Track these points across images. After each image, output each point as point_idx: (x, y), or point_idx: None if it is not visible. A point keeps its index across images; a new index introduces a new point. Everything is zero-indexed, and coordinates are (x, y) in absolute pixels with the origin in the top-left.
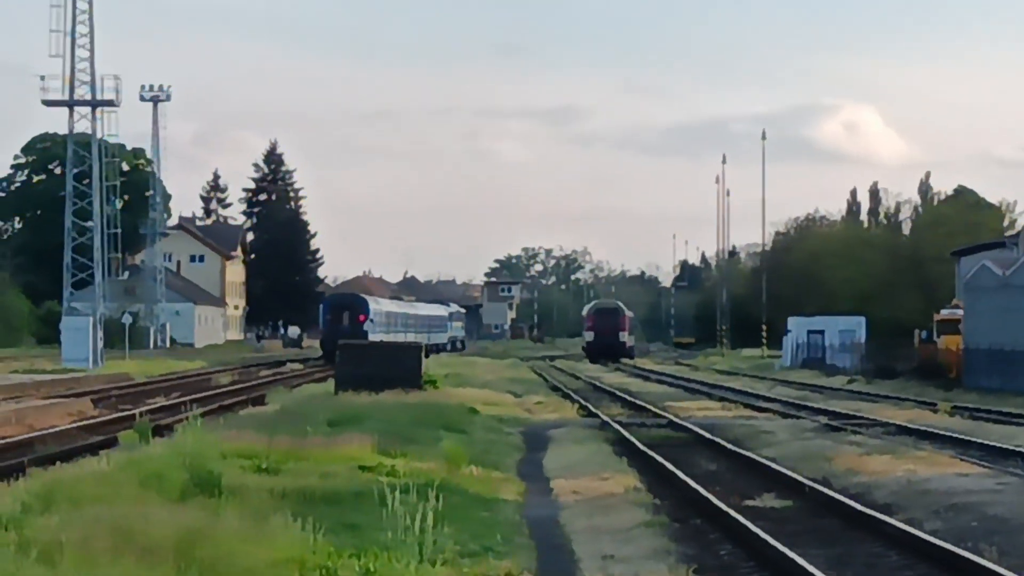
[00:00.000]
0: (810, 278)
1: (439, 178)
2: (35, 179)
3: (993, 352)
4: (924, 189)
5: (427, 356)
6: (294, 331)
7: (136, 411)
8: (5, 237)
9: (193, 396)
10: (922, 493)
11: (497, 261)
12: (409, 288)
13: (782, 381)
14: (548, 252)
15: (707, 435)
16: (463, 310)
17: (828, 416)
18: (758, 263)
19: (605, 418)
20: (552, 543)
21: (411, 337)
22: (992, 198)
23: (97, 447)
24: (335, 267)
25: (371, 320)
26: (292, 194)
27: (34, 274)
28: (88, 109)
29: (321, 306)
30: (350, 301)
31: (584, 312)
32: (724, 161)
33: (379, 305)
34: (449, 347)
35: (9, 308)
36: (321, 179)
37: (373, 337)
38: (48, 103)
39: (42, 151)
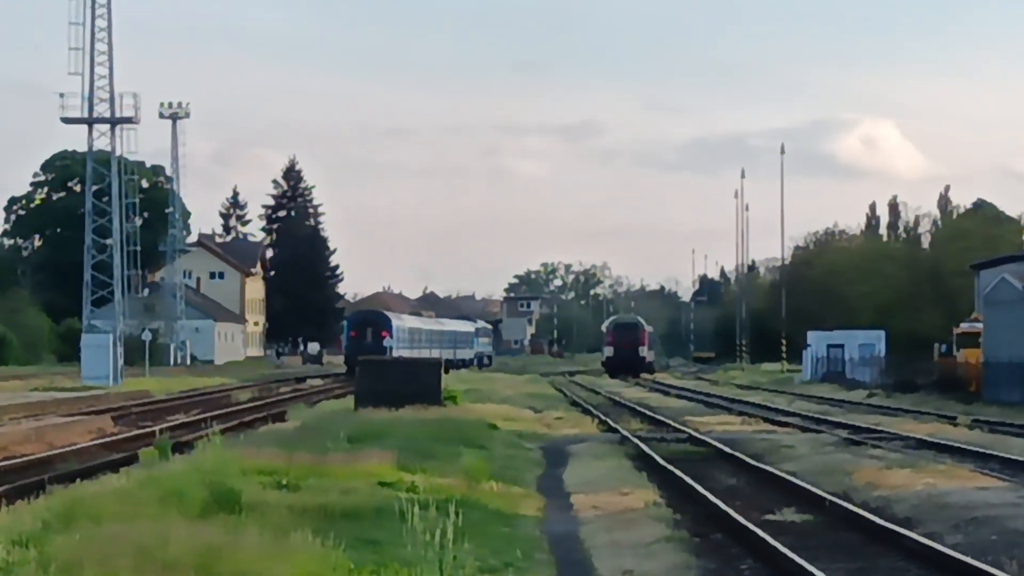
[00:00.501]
0: (830, 292)
1: (458, 194)
2: (55, 197)
3: (1013, 365)
4: (943, 203)
5: (447, 372)
6: (314, 347)
7: (156, 428)
8: (25, 255)
9: (213, 413)
10: (942, 507)
11: (516, 276)
12: (428, 304)
13: (802, 395)
14: (567, 267)
15: (727, 449)
16: (489, 326)
17: (848, 430)
18: (777, 277)
19: (625, 433)
20: (572, 558)
21: (436, 353)
22: (1011, 212)
23: (117, 464)
24: (354, 284)
25: (393, 336)
26: (311, 211)
27: (54, 292)
28: (107, 127)
29: (345, 323)
30: (373, 318)
31: (604, 327)
32: (743, 176)
33: (402, 322)
34: (476, 362)
35: (29, 326)
36: (340, 196)
37: (396, 353)
38: (67, 121)
39: (61, 169)
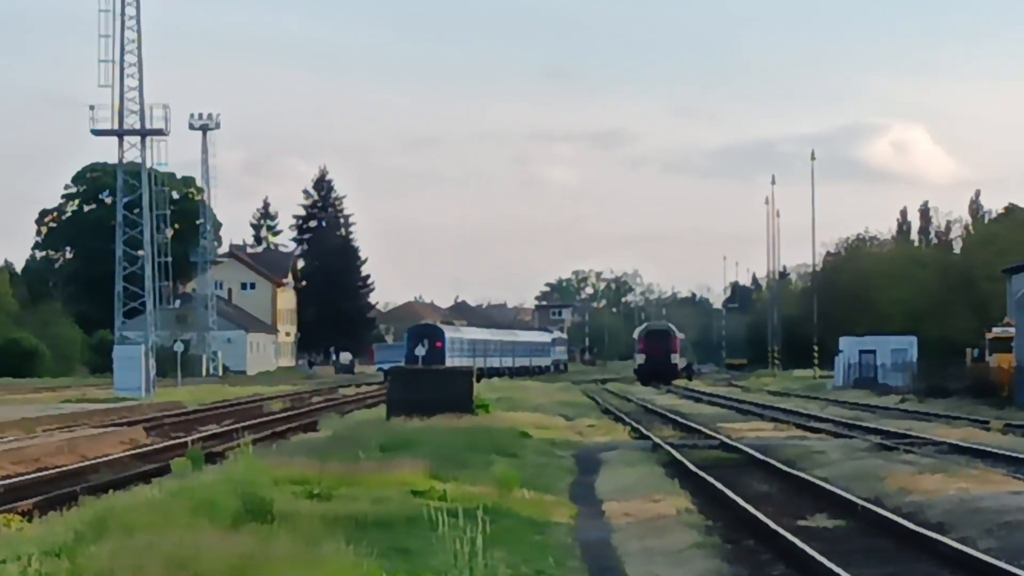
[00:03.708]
0: (861, 298)
1: (488, 203)
2: (86, 208)
3: None
4: (974, 208)
5: (476, 378)
6: (346, 357)
7: (188, 439)
8: (56, 267)
9: (245, 423)
10: (975, 511)
11: (548, 285)
12: (460, 313)
13: (834, 401)
14: (599, 275)
15: (759, 456)
16: (565, 336)
17: (880, 435)
18: (809, 283)
19: (657, 440)
20: (604, 565)
21: (507, 361)
22: None
23: (150, 475)
24: (386, 293)
25: (446, 347)
26: (342, 220)
27: (86, 303)
28: (137, 138)
29: (405, 335)
30: (429, 330)
31: (635, 334)
32: (773, 182)
33: (460, 334)
34: (552, 369)
35: (62, 337)
36: (371, 205)
37: (450, 362)
38: (97, 132)
39: (92, 181)
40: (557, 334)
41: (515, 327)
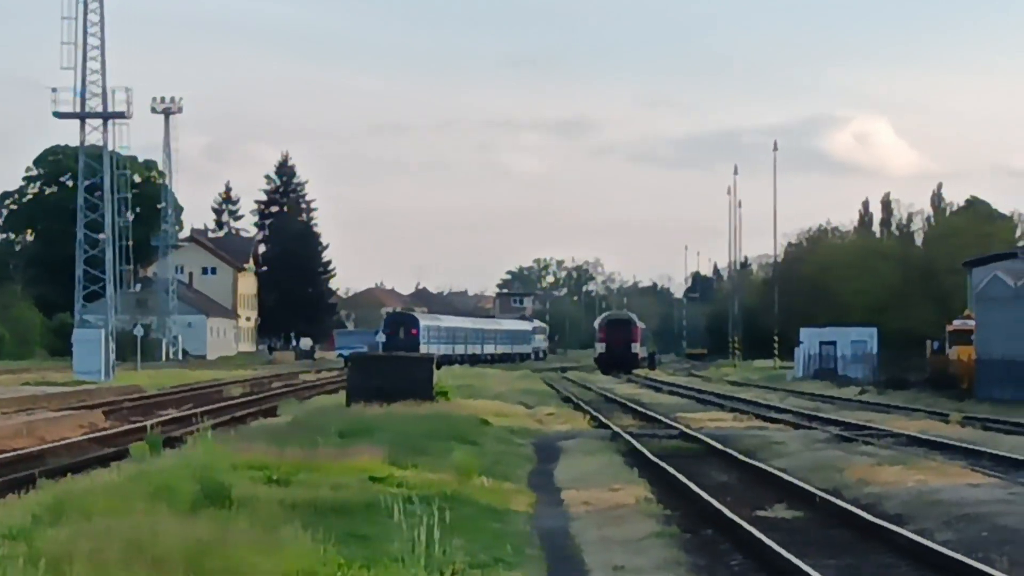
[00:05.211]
0: (822, 289)
1: (451, 190)
2: (47, 191)
3: (1005, 362)
4: (936, 200)
5: (468, 365)
6: (306, 342)
7: (147, 423)
8: (17, 249)
9: (204, 408)
10: (933, 503)
11: (509, 272)
12: (421, 300)
13: (794, 392)
14: (560, 263)
15: (718, 446)
16: (545, 325)
17: (840, 427)
18: (770, 274)
19: (616, 429)
20: (562, 554)
21: (488, 349)
22: (1004, 209)
23: (108, 459)
24: (347, 279)
25: (421, 334)
26: (304, 206)
27: (46, 286)
28: (99, 121)
29: (382, 322)
30: (404, 318)
31: (596, 323)
32: (736, 172)
33: (437, 321)
34: (533, 356)
35: (21, 320)
36: (333, 191)
37: (425, 349)
38: (59, 115)
39: (53, 163)
40: (537, 323)
41: (476, 314)
